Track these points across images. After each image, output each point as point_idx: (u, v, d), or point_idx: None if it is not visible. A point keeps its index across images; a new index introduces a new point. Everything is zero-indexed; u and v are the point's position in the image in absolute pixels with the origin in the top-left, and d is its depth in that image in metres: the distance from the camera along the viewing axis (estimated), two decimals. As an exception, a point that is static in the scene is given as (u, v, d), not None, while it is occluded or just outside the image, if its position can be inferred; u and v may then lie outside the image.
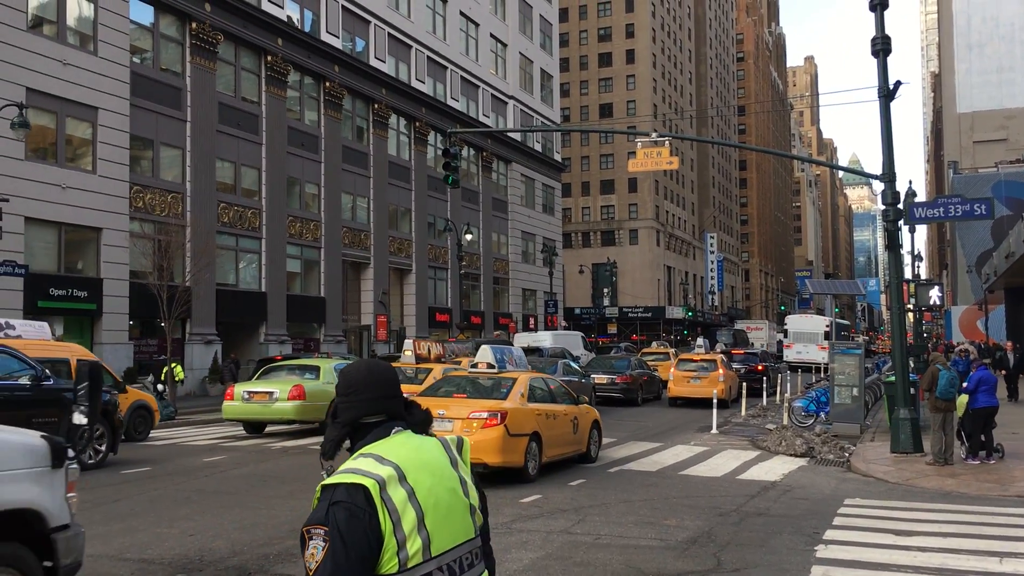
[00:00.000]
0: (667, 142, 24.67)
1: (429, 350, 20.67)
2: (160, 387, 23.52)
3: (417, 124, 47.20)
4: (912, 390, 16.43)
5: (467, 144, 51.38)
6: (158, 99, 31.24)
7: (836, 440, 17.15)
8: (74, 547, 5.77)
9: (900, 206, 17.07)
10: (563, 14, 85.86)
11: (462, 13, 52.44)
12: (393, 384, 2.46)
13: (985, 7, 72.33)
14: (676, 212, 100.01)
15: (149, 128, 30.88)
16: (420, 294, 47.34)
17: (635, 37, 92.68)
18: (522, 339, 37.06)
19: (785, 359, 54.34)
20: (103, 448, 14.18)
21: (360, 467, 2.21)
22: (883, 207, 17.16)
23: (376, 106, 43.52)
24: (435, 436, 2.48)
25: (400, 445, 2.33)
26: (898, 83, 16.41)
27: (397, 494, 2.18)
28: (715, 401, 20.99)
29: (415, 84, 46.77)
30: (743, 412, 23.86)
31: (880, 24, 16.49)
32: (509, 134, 56.50)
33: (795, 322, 61.53)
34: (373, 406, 2.41)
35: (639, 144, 25.30)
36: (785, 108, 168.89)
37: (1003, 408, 16.16)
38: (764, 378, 30.04)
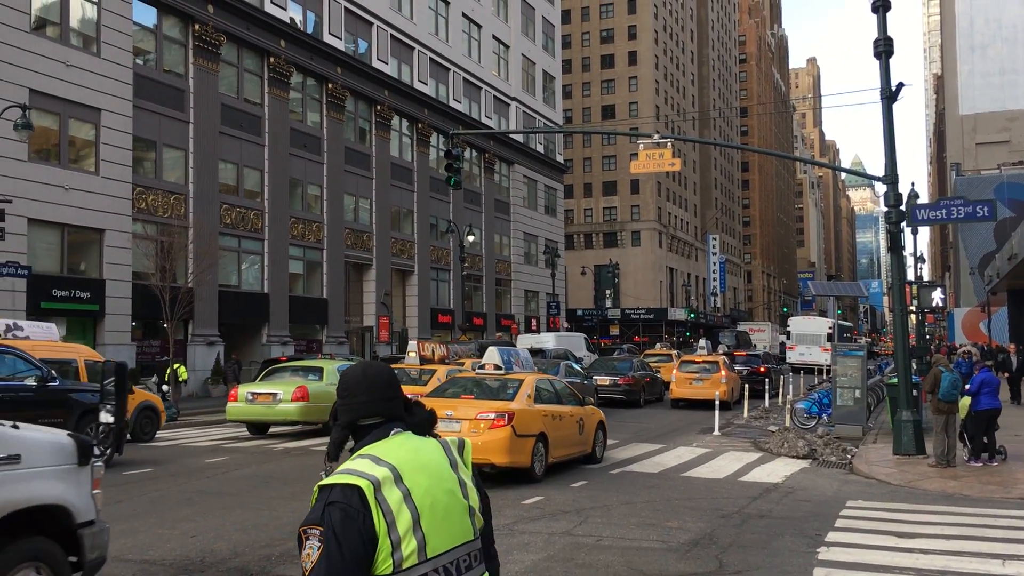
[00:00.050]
0: (669, 144, 24.67)
1: (433, 351, 20.78)
2: (164, 387, 23.56)
3: (419, 125, 47.22)
4: (915, 392, 16.41)
5: (469, 145, 51.39)
6: (161, 100, 31.28)
7: (838, 442, 17.14)
8: (99, 543, 5.92)
9: (902, 208, 17.05)
10: (565, 16, 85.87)
11: (464, 15, 52.48)
12: (389, 386, 2.46)
13: (987, 9, 72.25)
14: (678, 214, 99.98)
15: (152, 129, 30.92)
16: (422, 295, 47.35)
17: (637, 39, 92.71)
18: (525, 340, 37.05)
19: (788, 361, 54.31)
20: (107, 449, 14.18)
21: (356, 468, 2.23)
22: (885, 209, 17.15)
23: (378, 107, 43.55)
24: (437, 437, 2.48)
25: (398, 446, 2.33)
26: (900, 85, 16.40)
27: (392, 495, 2.19)
28: (717, 403, 20.98)
29: (417, 85, 46.80)
30: (745, 414, 23.84)
31: (882, 26, 16.47)
32: (511, 135, 56.51)
33: (798, 324, 61.56)
34: (369, 408, 2.42)
35: (641, 146, 25.31)
36: (787, 110, 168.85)
37: (1006, 410, 16.15)
38: (766, 380, 30.02)
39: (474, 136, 49.75)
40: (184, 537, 8.92)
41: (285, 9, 37.32)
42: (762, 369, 32.60)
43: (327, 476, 2.25)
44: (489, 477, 12.49)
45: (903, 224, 17.22)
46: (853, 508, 10.86)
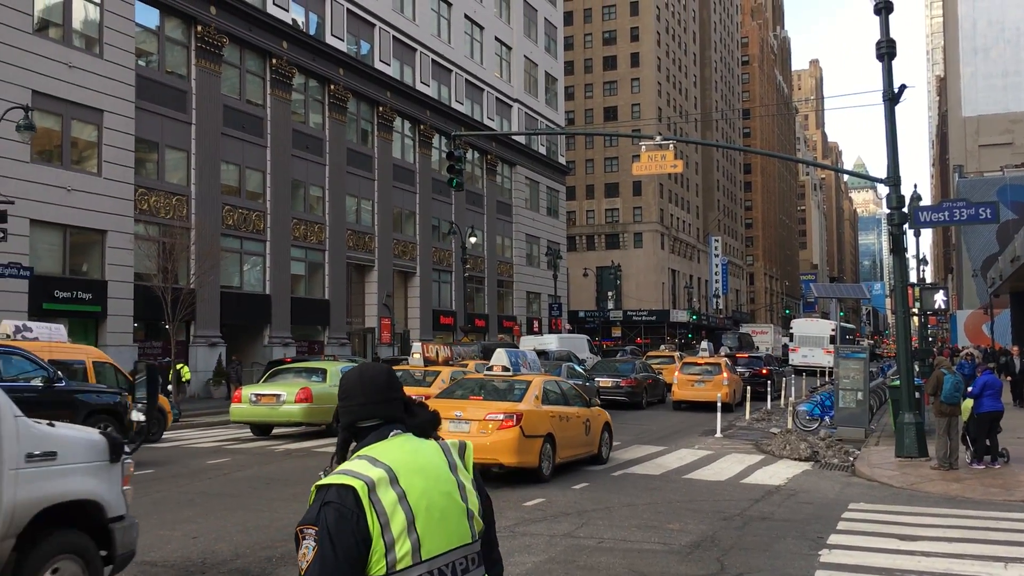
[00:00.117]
0: (671, 145, 24.64)
1: (437, 353, 20.91)
2: (168, 388, 23.57)
3: (421, 127, 47.24)
4: (917, 394, 16.39)
5: (471, 147, 51.41)
6: (163, 102, 31.31)
7: (840, 444, 17.10)
8: (129, 538, 6.17)
9: (905, 210, 17.02)
10: (568, 18, 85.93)
11: (467, 16, 52.50)
12: (386, 388, 2.46)
13: (990, 11, 72.18)
14: (680, 215, 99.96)
15: (154, 131, 30.95)
16: (424, 297, 47.36)
17: (640, 40, 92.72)
18: (528, 342, 37.05)
19: (792, 362, 54.36)
20: (137, 446, 14.25)
21: (353, 469, 2.23)
22: (888, 211, 17.13)
23: (381, 109, 43.57)
24: (439, 439, 2.47)
25: (396, 448, 2.34)
26: (903, 87, 16.39)
27: (387, 496, 2.19)
28: (719, 405, 20.96)
29: (420, 87, 46.82)
30: (747, 416, 23.81)
31: (885, 28, 16.47)
32: (513, 137, 56.52)
33: (801, 326, 61.55)
34: (366, 411, 2.43)
35: (643, 147, 25.29)
36: (790, 111, 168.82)
37: (1008, 413, 16.12)
38: (768, 382, 29.97)
39: (476, 138, 49.76)
40: (186, 538, 8.92)
41: (287, 10, 37.35)
42: (764, 371, 32.54)
43: (326, 476, 2.25)
44: (492, 478, 12.49)
45: (905, 226, 17.19)
46: (855, 510, 10.84)
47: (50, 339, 15.79)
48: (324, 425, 18.93)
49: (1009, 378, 27.62)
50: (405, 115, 45.89)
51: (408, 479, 2.25)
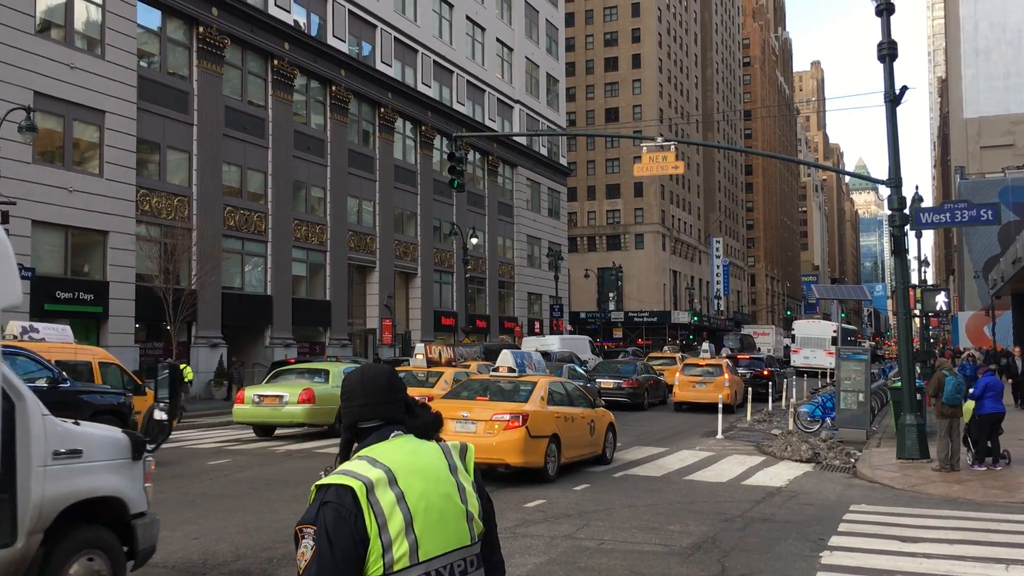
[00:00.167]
0: (673, 146, 24.64)
1: (440, 354, 20.95)
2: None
3: (423, 128, 47.26)
4: (918, 396, 16.38)
5: (473, 148, 51.43)
6: (165, 103, 31.34)
7: (842, 446, 17.09)
8: (150, 534, 6.34)
9: (906, 211, 17.02)
10: (569, 19, 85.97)
11: (468, 18, 52.52)
12: (387, 389, 2.46)
13: (992, 13, 72.15)
14: (682, 216, 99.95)
15: (156, 132, 30.97)
16: (425, 298, 47.37)
17: (641, 42, 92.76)
18: (530, 343, 37.10)
19: (793, 364, 54.40)
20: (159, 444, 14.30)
21: (352, 469, 2.24)
22: (889, 212, 17.12)
23: (382, 110, 43.59)
24: (440, 441, 2.48)
25: (396, 449, 2.34)
26: (904, 88, 16.39)
27: (385, 497, 2.20)
28: (720, 406, 20.95)
29: (421, 88, 46.84)
30: (748, 417, 23.79)
31: (886, 29, 16.47)
32: (515, 138, 56.53)
33: (803, 328, 61.54)
34: (367, 412, 2.43)
35: (645, 148, 25.27)
36: (791, 113, 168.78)
37: (1010, 414, 16.10)
38: (770, 383, 29.97)
39: (478, 139, 49.79)
40: (186, 539, 8.92)
41: (289, 12, 37.38)
42: (765, 372, 32.54)
43: (326, 476, 2.26)
44: (492, 479, 12.49)
45: (907, 228, 17.18)
46: (856, 512, 10.83)
47: (60, 340, 15.89)
48: (327, 426, 18.94)
49: (1010, 380, 27.60)
50: (406, 116, 45.91)
51: (407, 480, 2.25)
